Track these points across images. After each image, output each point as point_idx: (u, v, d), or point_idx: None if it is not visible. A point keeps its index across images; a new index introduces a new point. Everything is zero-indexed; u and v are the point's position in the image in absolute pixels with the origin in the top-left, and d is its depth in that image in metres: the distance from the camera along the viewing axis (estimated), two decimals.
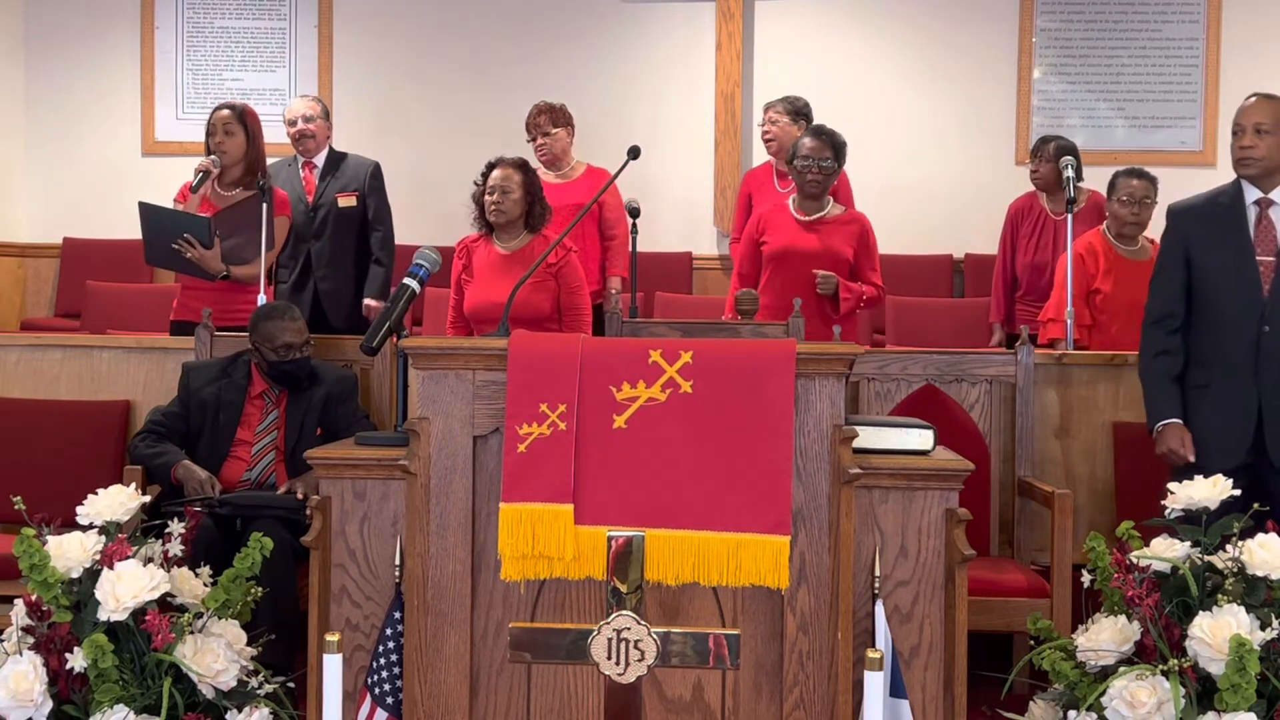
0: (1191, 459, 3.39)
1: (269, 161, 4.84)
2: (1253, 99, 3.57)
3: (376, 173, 5.29)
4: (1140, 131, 6.96)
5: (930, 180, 6.97)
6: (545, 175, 5.32)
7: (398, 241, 5.41)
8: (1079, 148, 5.54)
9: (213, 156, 4.56)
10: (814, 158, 4.50)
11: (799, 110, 5.49)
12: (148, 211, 4.46)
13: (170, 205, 4.71)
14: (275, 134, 5.42)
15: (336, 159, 5.29)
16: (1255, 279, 3.42)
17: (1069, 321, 4.67)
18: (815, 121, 5.20)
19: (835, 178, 4.59)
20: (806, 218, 4.59)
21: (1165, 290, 3.55)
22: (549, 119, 5.39)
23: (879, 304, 4.74)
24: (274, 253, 4.65)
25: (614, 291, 5.40)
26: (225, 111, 4.61)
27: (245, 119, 4.61)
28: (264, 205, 4.45)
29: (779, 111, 5.49)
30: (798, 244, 4.54)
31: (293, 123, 5.23)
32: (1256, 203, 3.49)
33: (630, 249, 4.87)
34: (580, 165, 5.50)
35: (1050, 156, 5.44)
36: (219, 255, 4.39)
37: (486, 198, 4.33)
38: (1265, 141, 3.45)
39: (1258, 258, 3.44)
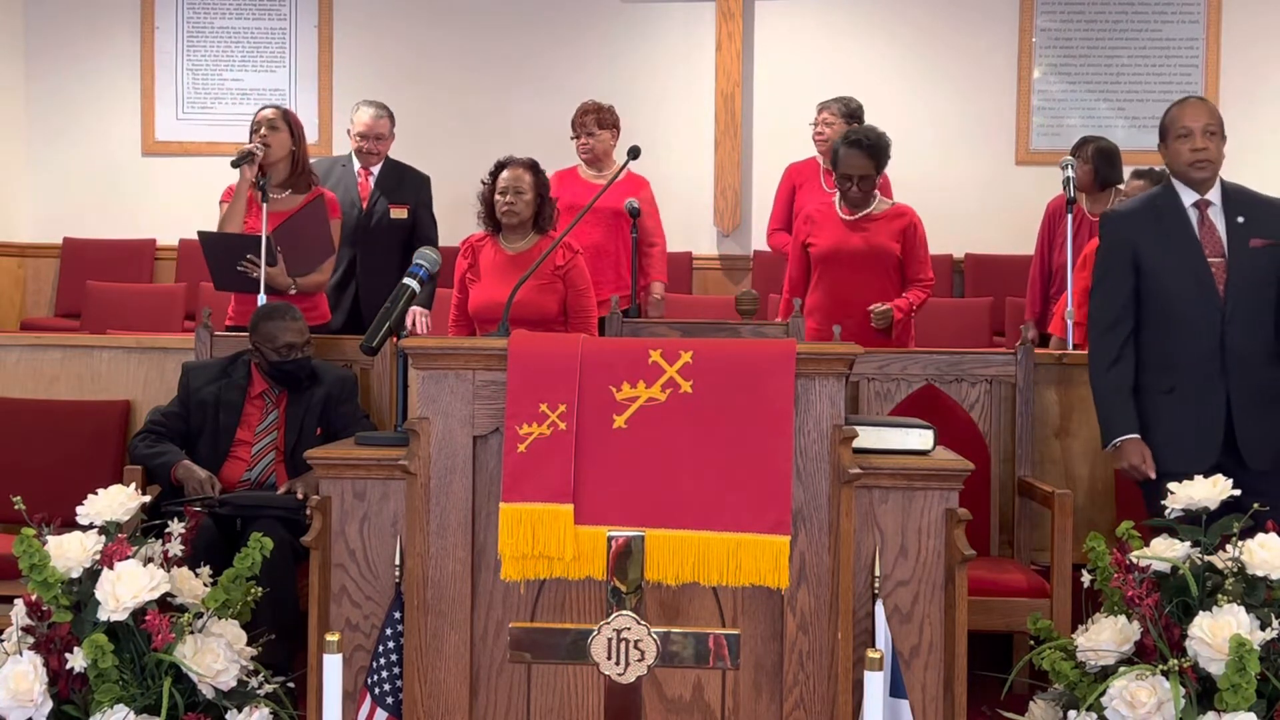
0: (1152, 475, 3.36)
1: (315, 159, 4.81)
2: (1189, 101, 3.54)
3: (426, 186, 5.33)
4: (1140, 131, 6.95)
5: (930, 180, 6.96)
6: (584, 173, 5.36)
7: None
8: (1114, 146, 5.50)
9: (257, 145, 4.45)
10: (854, 176, 4.44)
11: (853, 112, 5.44)
12: (208, 239, 4.33)
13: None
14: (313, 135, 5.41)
15: (393, 168, 5.30)
16: (1210, 280, 3.41)
17: (1069, 322, 4.66)
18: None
19: (877, 182, 4.54)
20: (852, 216, 4.55)
21: (1113, 297, 3.50)
22: (596, 119, 5.38)
23: (928, 300, 4.67)
24: (333, 257, 4.59)
25: (658, 297, 5.42)
26: (270, 110, 4.55)
27: (289, 119, 4.57)
28: (307, 204, 4.37)
29: (833, 114, 5.43)
30: (845, 244, 4.50)
31: (363, 135, 5.21)
32: (1195, 205, 3.49)
33: (631, 249, 4.87)
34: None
35: (1089, 158, 5.41)
36: (284, 270, 4.32)
37: (498, 197, 4.30)
38: (1214, 143, 3.45)
39: (1207, 259, 3.44)
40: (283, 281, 4.32)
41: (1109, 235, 3.57)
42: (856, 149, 4.46)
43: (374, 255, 5.15)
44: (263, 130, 4.49)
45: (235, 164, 4.44)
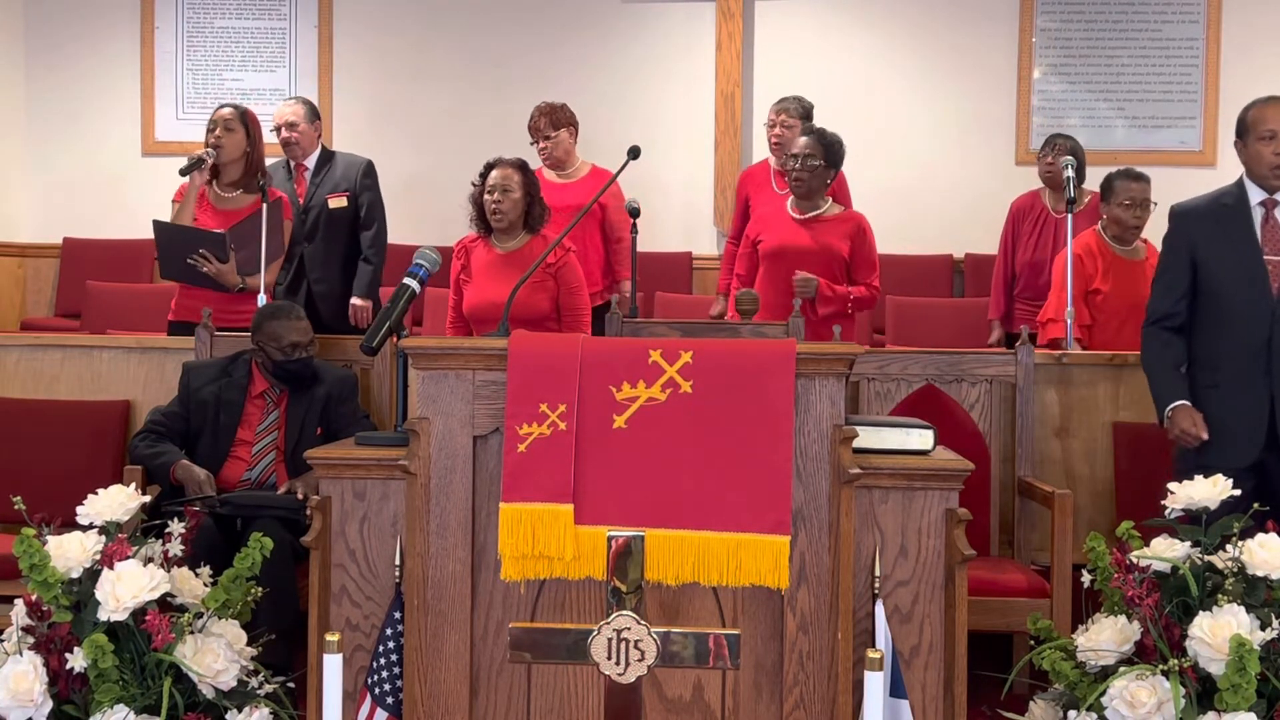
0: (1205, 436, 3.40)
1: (268, 162, 4.83)
2: (1275, 101, 3.52)
3: (369, 171, 5.26)
4: (1140, 131, 6.96)
5: (930, 180, 6.97)
6: (549, 175, 5.31)
7: (397, 242, 5.41)
8: (1081, 148, 5.54)
9: (208, 149, 4.53)
10: (801, 156, 4.50)
11: (807, 112, 5.45)
12: (162, 229, 4.44)
13: (169, 205, 4.71)
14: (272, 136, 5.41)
15: (326, 159, 5.27)
16: (1264, 278, 3.43)
17: (1069, 322, 4.67)
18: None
19: (827, 178, 4.55)
20: (802, 216, 4.59)
21: (1170, 291, 3.55)
22: (549, 121, 5.32)
23: (871, 306, 4.71)
24: (282, 258, 4.63)
25: (627, 294, 5.39)
26: (227, 110, 4.60)
27: (246, 119, 4.60)
28: (264, 208, 4.43)
29: (793, 116, 5.42)
30: (792, 241, 4.54)
31: (277, 128, 5.22)
32: (1262, 203, 3.50)
33: (631, 250, 4.86)
34: (585, 165, 5.46)
35: (1065, 150, 5.42)
36: (235, 269, 4.37)
37: (486, 198, 4.31)
38: None
39: (1265, 257, 3.44)
40: (231, 280, 4.37)
41: (1172, 230, 3.61)
42: (810, 137, 4.54)
43: (320, 249, 5.15)
44: (217, 131, 4.53)
45: (184, 172, 4.51)
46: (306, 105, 5.32)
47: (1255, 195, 3.50)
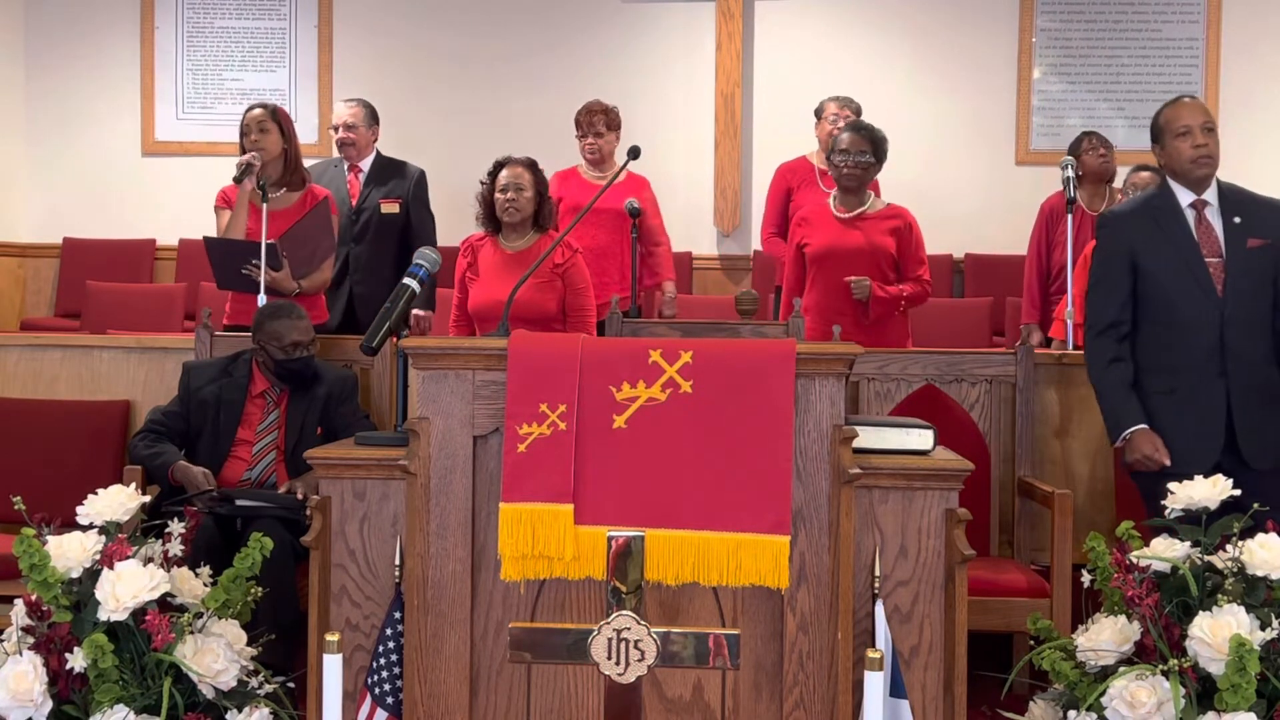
0: (1167, 462, 3.37)
1: (313, 162, 4.81)
2: (1183, 100, 3.55)
3: (421, 180, 5.29)
4: (1140, 131, 6.92)
5: (930, 180, 6.97)
6: (585, 173, 5.34)
7: None
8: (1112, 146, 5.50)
9: (252, 153, 4.45)
10: (852, 152, 4.47)
11: (859, 112, 5.51)
12: (214, 244, 4.35)
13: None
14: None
15: (383, 164, 5.29)
16: (1208, 280, 3.42)
17: (1069, 322, 4.66)
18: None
19: (874, 172, 4.55)
20: (847, 214, 4.55)
21: (1110, 298, 3.51)
22: (604, 120, 5.32)
23: (923, 301, 4.63)
24: (332, 256, 4.57)
25: (670, 296, 5.40)
26: (258, 110, 4.52)
27: (278, 116, 4.54)
28: (311, 210, 4.36)
29: (851, 110, 5.48)
30: (840, 243, 4.49)
31: (335, 129, 5.23)
32: (1192, 205, 3.49)
33: (631, 249, 4.86)
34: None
35: (1103, 145, 5.39)
36: (289, 275, 4.31)
37: (499, 196, 4.30)
38: (1213, 140, 3.46)
39: (1205, 259, 3.43)
40: (288, 285, 4.31)
41: (1106, 237, 3.57)
42: (858, 133, 4.52)
43: (367, 252, 5.15)
44: (253, 134, 4.47)
45: (238, 179, 4.43)
46: (366, 108, 5.33)
47: (1185, 197, 3.49)
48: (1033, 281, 5.62)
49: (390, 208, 5.18)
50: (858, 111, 5.53)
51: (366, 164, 5.26)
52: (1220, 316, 3.40)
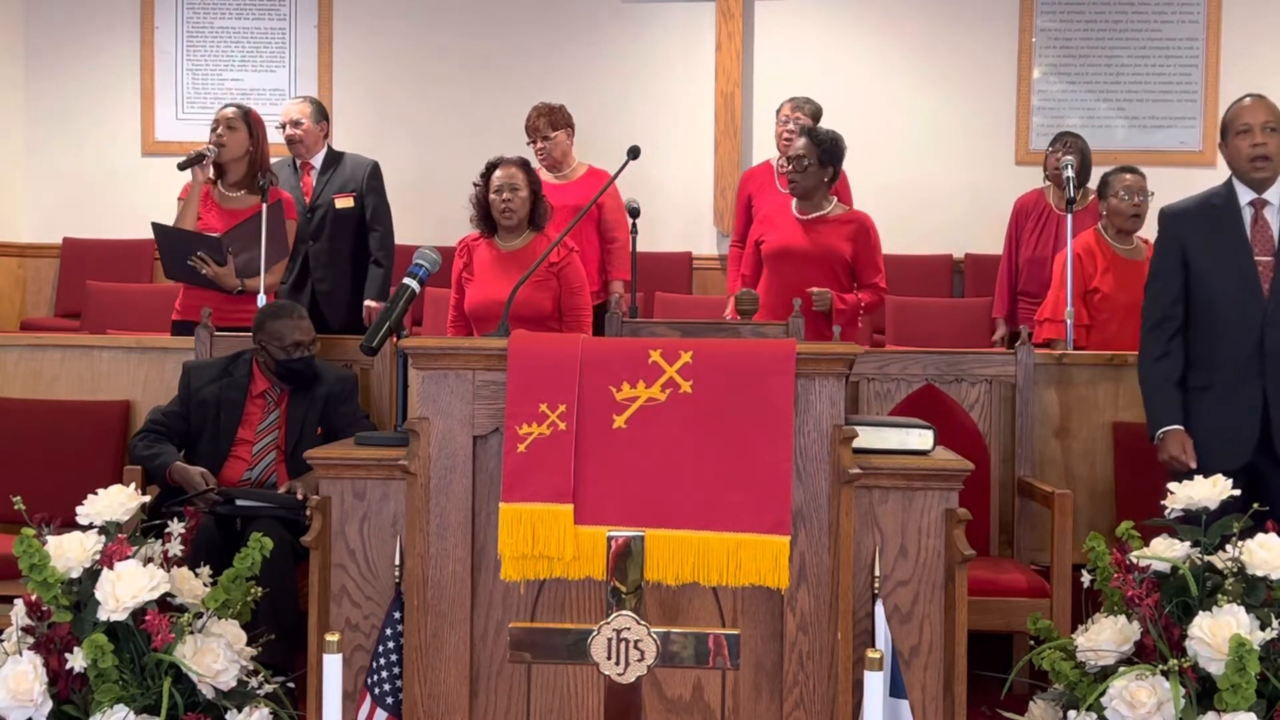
0: (1193, 466, 3.37)
1: (274, 161, 4.82)
2: (1248, 99, 3.56)
3: (375, 172, 5.25)
4: (1140, 131, 6.96)
5: (930, 180, 6.97)
6: (545, 176, 5.31)
7: (397, 241, 5.40)
8: (1089, 148, 5.53)
9: (209, 146, 4.51)
10: (794, 157, 4.51)
11: (816, 115, 5.49)
12: (160, 231, 4.45)
13: (174, 202, 4.71)
14: (277, 135, 5.41)
15: (333, 159, 5.26)
16: (1255, 279, 3.42)
17: (1069, 322, 4.67)
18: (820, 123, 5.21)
19: (823, 178, 4.53)
20: (805, 217, 4.58)
21: (1163, 294, 3.54)
22: (548, 122, 5.34)
23: (880, 307, 4.71)
24: (285, 260, 4.62)
25: (617, 295, 5.39)
26: (230, 109, 4.59)
27: (249, 119, 4.58)
28: (264, 210, 4.42)
29: (805, 115, 5.45)
30: (795, 243, 4.53)
31: (283, 126, 5.22)
32: (1251, 203, 3.50)
33: (631, 250, 4.86)
34: (581, 166, 5.47)
35: (1075, 149, 5.41)
36: (233, 272, 4.36)
37: (494, 197, 4.31)
38: (1274, 140, 3.45)
39: (1256, 258, 3.44)
40: (230, 283, 4.37)
41: (1162, 232, 3.60)
42: (808, 136, 4.55)
43: (325, 249, 5.14)
44: (219, 130, 4.53)
45: (182, 167, 4.50)
46: (313, 104, 5.32)
47: (1245, 195, 3.51)
48: (1002, 278, 5.78)
49: (344, 202, 5.15)
50: (814, 114, 5.49)
51: (318, 160, 5.24)
52: (1263, 316, 3.40)
